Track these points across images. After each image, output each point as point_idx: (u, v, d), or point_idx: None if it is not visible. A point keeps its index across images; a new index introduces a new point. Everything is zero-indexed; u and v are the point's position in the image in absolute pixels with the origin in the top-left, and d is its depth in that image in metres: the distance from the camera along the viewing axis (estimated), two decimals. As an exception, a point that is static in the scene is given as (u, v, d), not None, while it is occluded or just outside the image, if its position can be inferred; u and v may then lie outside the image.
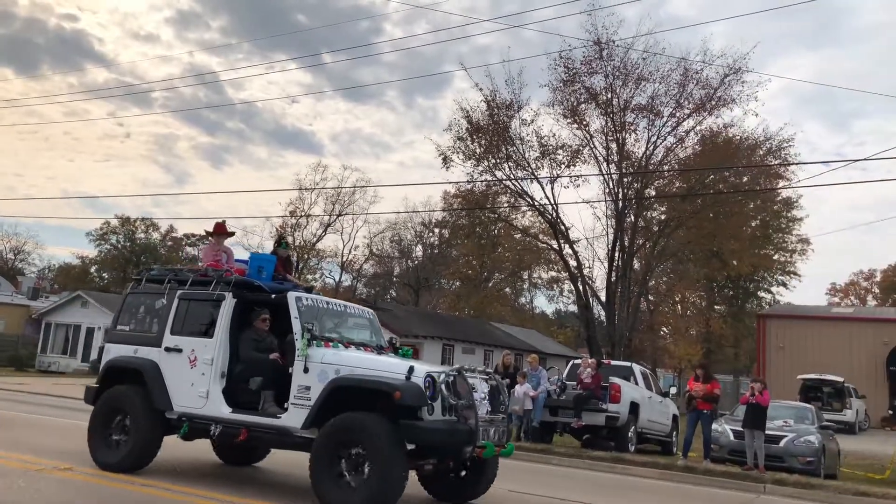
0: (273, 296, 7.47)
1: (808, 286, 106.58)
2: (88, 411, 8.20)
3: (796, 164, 27.24)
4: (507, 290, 50.49)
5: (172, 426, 7.41)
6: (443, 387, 6.25)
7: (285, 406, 6.74)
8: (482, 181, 29.28)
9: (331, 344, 6.99)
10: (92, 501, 6.25)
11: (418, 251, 53.20)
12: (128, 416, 7.50)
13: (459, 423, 6.30)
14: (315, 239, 40.83)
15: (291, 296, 7.22)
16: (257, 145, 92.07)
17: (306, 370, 6.67)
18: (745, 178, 28.55)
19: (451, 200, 41.50)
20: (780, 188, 30.66)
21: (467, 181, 29.39)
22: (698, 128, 27.92)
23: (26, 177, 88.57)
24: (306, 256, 40.59)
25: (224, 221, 8.86)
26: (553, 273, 40.20)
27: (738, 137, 27.85)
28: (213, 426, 7.04)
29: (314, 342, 6.81)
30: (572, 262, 29.75)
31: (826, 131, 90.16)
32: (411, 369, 6.25)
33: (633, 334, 30.75)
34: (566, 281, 38.46)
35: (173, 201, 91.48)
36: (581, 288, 29.66)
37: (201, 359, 7.28)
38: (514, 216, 33.16)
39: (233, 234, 9.01)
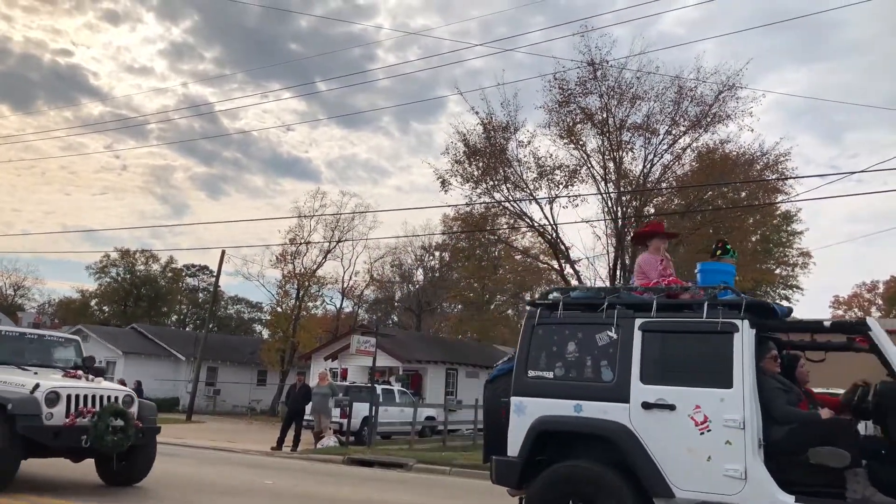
0: (827, 323, 5.42)
1: (811, 299, 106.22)
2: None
3: (793, 178, 27.26)
4: (510, 311, 50.28)
5: None
6: None
7: None
8: (481, 203, 29.29)
9: None
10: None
11: (419, 275, 53.13)
12: None
13: None
14: (315, 266, 40.70)
15: (873, 322, 5.13)
16: (254, 174, 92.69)
17: None
18: (743, 194, 28.53)
19: (451, 223, 41.47)
20: (778, 202, 30.66)
21: (466, 204, 29.40)
22: (694, 144, 27.95)
23: (24, 212, 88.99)
24: (307, 284, 40.42)
25: (662, 220, 6.74)
26: (555, 293, 40.01)
27: (735, 153, 27.88)
28: None
29: None
30: (574, 282, 29.62)
31: (819, 144, 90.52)
32: None
33: (638, 353, 30.48)
34: (568, 301, 38.24)
35: (171, 232, 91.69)
36: (583, 308, 29.48)
37: (717, 419, 5.11)
38: (513, 237, 33.09)
39: (676, 235, 6.40)
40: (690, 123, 26.90)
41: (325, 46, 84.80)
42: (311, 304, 42.67)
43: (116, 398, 8.61)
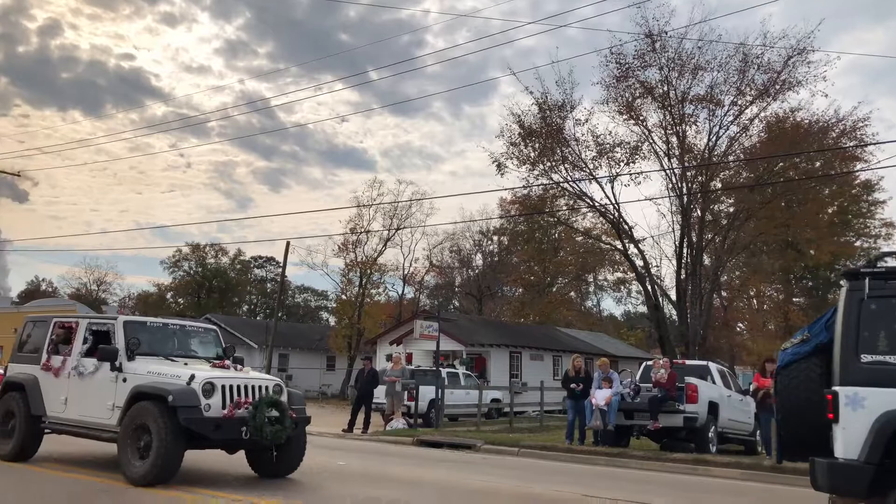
0: None
1: None
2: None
3: (873, 144, 25.91)
4: (572, 294, 49.73)
5: None
6: None
7: None
8: (538, 185, 29.01)
9: None
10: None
11: (478, 260, 53.09)
12: None
13: None
14: (376, 254, 41.19)
15: None
16: (312, 166, 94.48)
17: None
18: (817, 164, 27.34)
19: (508, 207, 41.25)
20: (857, 171, 29.22)
21: (523, 186, 29.18)
22: (763, 114, 26.96)
23: (101, 211, 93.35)
24: (369, 272, 40.96)
25: None
26: (619, 274, 39.46)
27: (808, 121, 26.71)
28: None
29: None
30: (638, 262, 29.09)
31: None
32: None
33: (707, 332, 29.76)
34: (633, 281, 37.67)
35: (238, 226, 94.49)
36: (649, 288, 28.94)
37: None
38: (574, 218, 32.69)
39: None
40: (758, 92, 25.90)
41: (374, 35, 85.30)
42: (373, 291, 43.29)
43: (267, 388, 8.25)
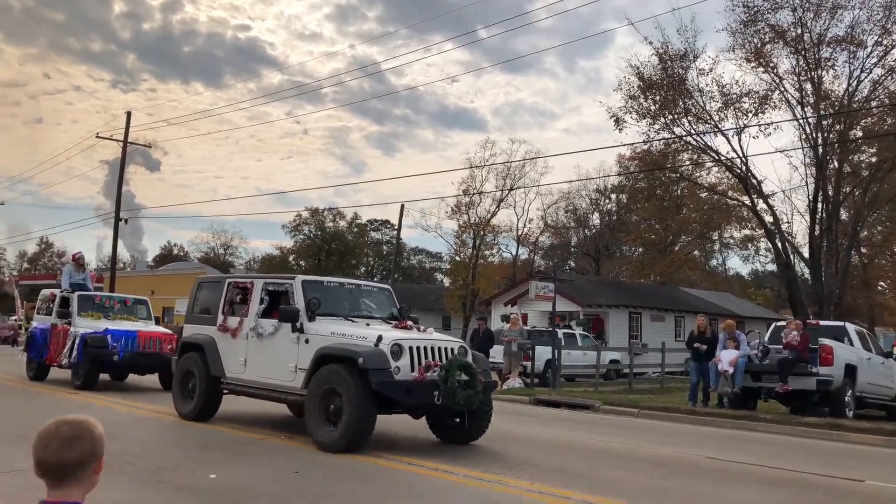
0: None
1: None
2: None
3: None
4: (696, 252, 47.83)
5: None
6: None
7: None
8: (660, 140, 27.94)
9: None
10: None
11: (595, 219, 52.06)
12: None
13: None
14: (489, 215, 41.32)
15: None
16: (423, 129, 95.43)
17: None
18: (977, 105, 24.58)
19: (627, 163, 39.98)
20: None
21: (643, 141, 28.18)
22: (913, 54, 24.45)
23: (224, 178, 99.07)
24: (482, 233, 41.21)
25: None
26: (747, 231, 37.45)
27: (966, 58, 24.00)
28: None
29: None
30: (768, 218, 27.54)
31: None
32: None
33: (844, 292, 27.83)
34: (762, 239, 35.71)
35: (353, 190, 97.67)
36: (780, 245, 27.39)
37: None
38: (697, 174, 31.30)
39: None
40: (907, 29, 23.51)
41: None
42: (487, 253, 43.57)
43: (454, 349, 7.82)
